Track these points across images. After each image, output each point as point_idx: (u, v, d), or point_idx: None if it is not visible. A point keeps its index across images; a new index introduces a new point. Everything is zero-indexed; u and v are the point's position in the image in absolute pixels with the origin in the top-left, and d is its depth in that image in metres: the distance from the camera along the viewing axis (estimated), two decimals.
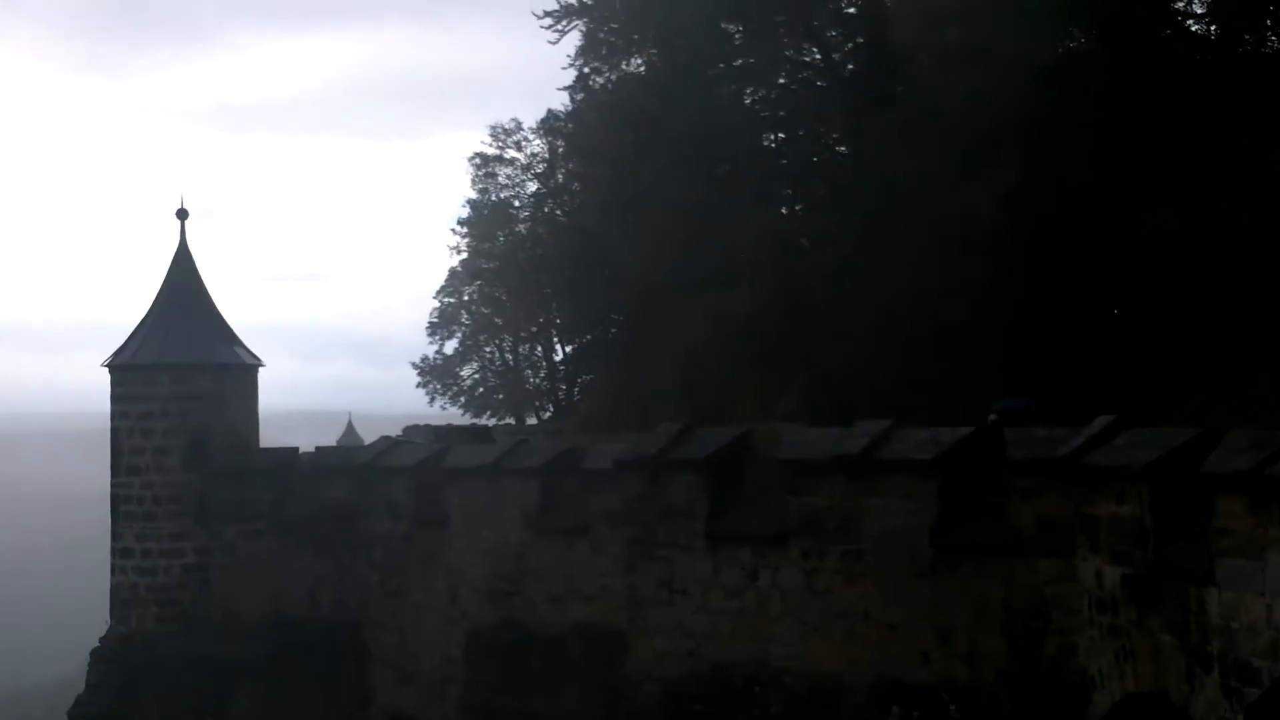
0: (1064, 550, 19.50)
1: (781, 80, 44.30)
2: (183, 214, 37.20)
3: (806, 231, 38.66)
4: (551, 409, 55.20)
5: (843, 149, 43.53)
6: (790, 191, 45.74)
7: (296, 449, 35.69)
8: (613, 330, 48.58)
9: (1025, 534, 20.14)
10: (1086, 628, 19.11)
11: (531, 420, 54.52)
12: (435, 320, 58.64)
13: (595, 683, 26.05)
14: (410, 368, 59.69)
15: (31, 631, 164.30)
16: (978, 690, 20.60)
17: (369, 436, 48.22)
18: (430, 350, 58.67)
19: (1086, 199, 31.25)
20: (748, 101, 45.55)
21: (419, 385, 58.55)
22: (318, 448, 37.19)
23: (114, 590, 35.12)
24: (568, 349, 54.82)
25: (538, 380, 57.57)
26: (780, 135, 45.78)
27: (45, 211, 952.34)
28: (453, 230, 56.29)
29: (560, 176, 52.80)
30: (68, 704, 40.18)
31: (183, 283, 36.79)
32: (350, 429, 59.95)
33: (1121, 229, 30.81)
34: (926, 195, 32.94)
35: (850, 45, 43.02)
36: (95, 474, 47.63)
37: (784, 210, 44.37)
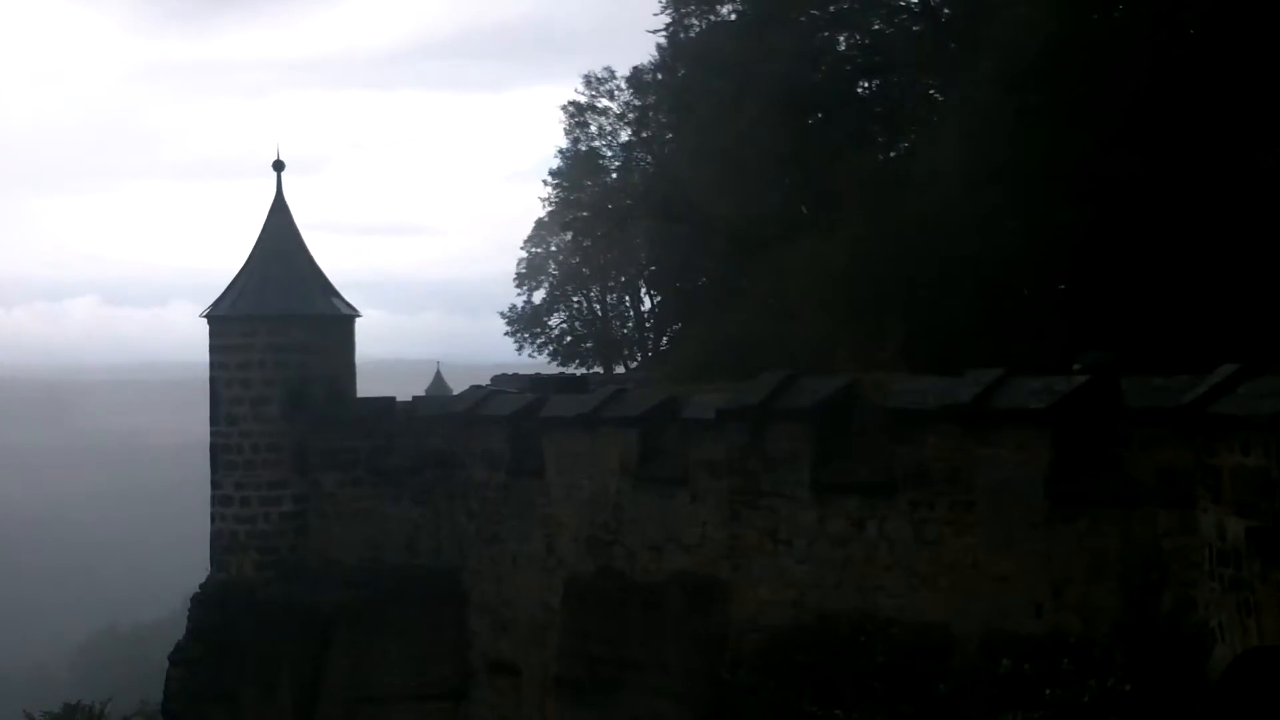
0: (1184, 502, 19.09)
1: (876, 25, 43.64)
2: (279, 166, 37.37)
3: (904, 177, 38.09)
4: (640, 358, 55.10)
5: (937, 95, 42.91)
6: (883, 139, 45.18)
7: (393, 398, 35.83)
8: (703, 280, 48.31)
9: (1143, 485, 19.74)
10: (1207, 581, 18.73)
11: (620, 369, 54.44)
12: (523, 270, 58.66)
13: (695, 632, 25.98)
14: (497, 317, 59.80)
15: (131, 576, 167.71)
16: (1091, 643, 20.28)
17: (457, 386, 48.37)
18: (518, 300, 58.72)
19: (1196, 140, 30.52)
20: (841, 48, 44.96)
21: (507, 334, 58.68)
22: (415, 397, 37.38)
23: (214, 537, 35.52)
24: (656, 298, 54.63)
25: (626, 329, 57.47)
26: (875, 81, 45.15)
27: (144, 167, 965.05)
28: (544, 181, 56.29)
29: (651, 126, 52.50)
30: (165, 646, 40.89)
31: (279, 234, 36.98)
32: (438, 378, 60.15)
33: (1232, 171, 30.10)
34: (1026, 139, 32.33)
35: None
36: (194, 422, 48.12)
37: (879, 157, 43.80)
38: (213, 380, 35.76)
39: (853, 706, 21.58)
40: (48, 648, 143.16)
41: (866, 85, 44.96)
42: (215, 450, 35.55)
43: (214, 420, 35.62)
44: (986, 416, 21.65)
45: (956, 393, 22.18)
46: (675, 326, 51.21)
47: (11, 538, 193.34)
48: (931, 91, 43.25)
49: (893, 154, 44.26)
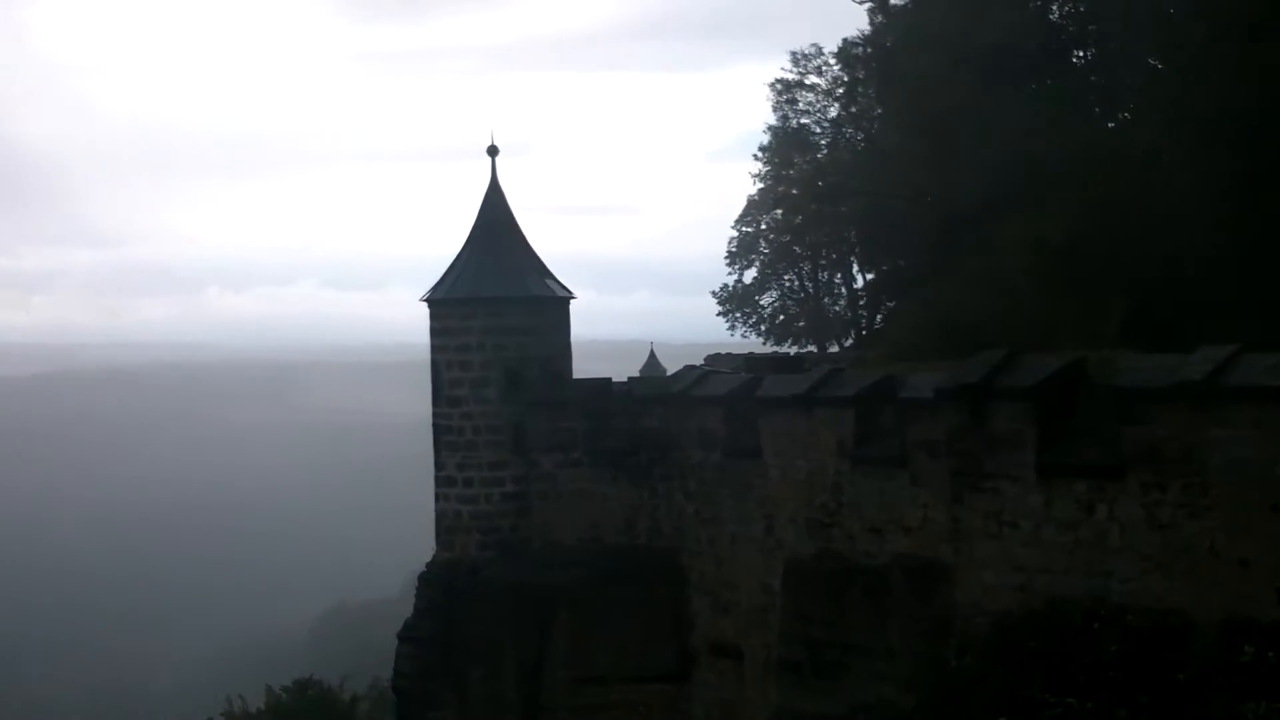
0: None
1: None
2: (493, 151, 37.88)
3: (1124, 148, 37.04)
4: (853, 336, 54.62)
5: (1155, 62, 41.62)
6: (1099, 109, 44.03)
7: (609, 379, 36.12)
8: (915, 256, 47.62)
9: None
10: None
11: (833, 348, 54.03)
12: (734, 249, 58.51)
13: (919, 616, 25.72)
14: (708, 297, 59.77)
15: (356, 553, 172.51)
16: None
17: (670, 366, 48.52)
18: (729, 279, 58.58)
19: None
20: (1054, 16, 43.93)
21: (719, 314, 58.62)
22: (630, 378, 37.64)
23: (438, 517, 36.26)
24: (868, 276, 54.07)
25: (838, 308, 57.01)
26: (1090, 50, 44.00)
27: (361, 152, 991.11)
28: (755, 156, 56.05)
29: (860, 101, 51.92)
30: (392, 623, 41.89)
31: (495, 218, 37.53)
32: (652, 358, 60.37)
33: None
34: (1255, 99, 31.11)
35: None
36: (413, 403, 49.20)
37: (1097, 128, 42.69)
38: (434, 363, 36.49)
39: (1086, 695, 21.06)
40: (283, 623, 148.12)
41: (1081, 55, 43.86)
42: (438, 431, 36.28)
43: (436, 402, 36.34)
44: (1220, 394, 20.99)
45: (1187, 370, 21.53)
46: (888, 304, 50.64)
47: (241, 517, 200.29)
48: (1150, 60, 41.99)
49: (1110, 124, 43.12)
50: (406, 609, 37.52)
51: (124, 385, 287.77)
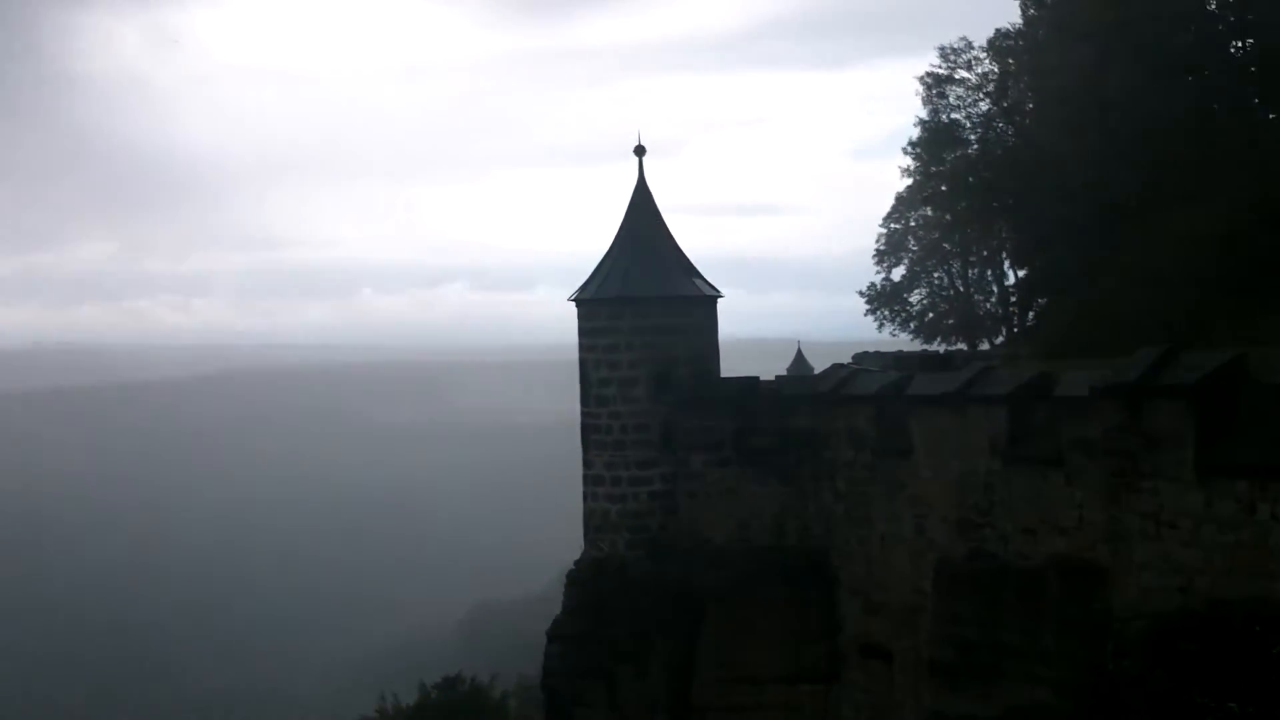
0: None
1: None
2: (640, 151, 37.92)
3: None
4: (1004, 334, 53.84)
5: None
6: (1258, 100, 42.92)
7: (757, 378, 35.97)
8: (1068, 252, 46.78)
9: None
10: None
11: (983, 346, 53.30)
12: (882, 247, 58.02)
13: (1074, 619, 25.24)
14: (855, 294, 59.31)
15: (504, 550, 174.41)
16: None
17: (818, 365, 48.21)
18: (877, 277, 58.10)
19: None
20: (1212, 7, 42.95)
21: (867, 312, 58.14)
22: (778, 376, 37.47)
23: (586, 516, 36.38)
24: (1019, 272, 53.24)
25: (989, 305, 56.23)
26: (1248, 41, 42.93)
27: (507, 155, 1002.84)
28: (904, 152, 55.50)
29: (1011, 94, 51.15)
30: (539, 621, 42.18)
31: (642, 218, 37.56)
32: (800, 357, 60.03)
33: None
34: None
35: None
36: (560, 402, 49.57)
37: (1257, 120, 41.63)
38: (581, 362, 36.63)
39: (1248, 699, 20.52)
40: (432, 621, 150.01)
41: (1239, 46, 42.82)
42: (586, 430, 36.41)
43: (584, 401, 36.47)
44: None
45: None
46: (1041, 300, 49.82)
47: (391, 515, 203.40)
48: None
49: (1271, 115, 42.04)
50: (555, 607, 37.71)
51: (279, 386, 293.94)
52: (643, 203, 37.78)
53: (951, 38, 53.15)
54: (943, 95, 52.67)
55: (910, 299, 57.58)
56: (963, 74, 52.67)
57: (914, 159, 55.47)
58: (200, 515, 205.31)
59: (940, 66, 52.86)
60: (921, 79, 53.28)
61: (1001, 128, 52.06)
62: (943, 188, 54.18)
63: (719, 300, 37.39)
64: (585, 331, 36.74)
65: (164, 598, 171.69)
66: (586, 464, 36.44)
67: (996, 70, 51.68)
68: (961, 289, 56.82)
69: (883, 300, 57.77)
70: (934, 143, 53.42)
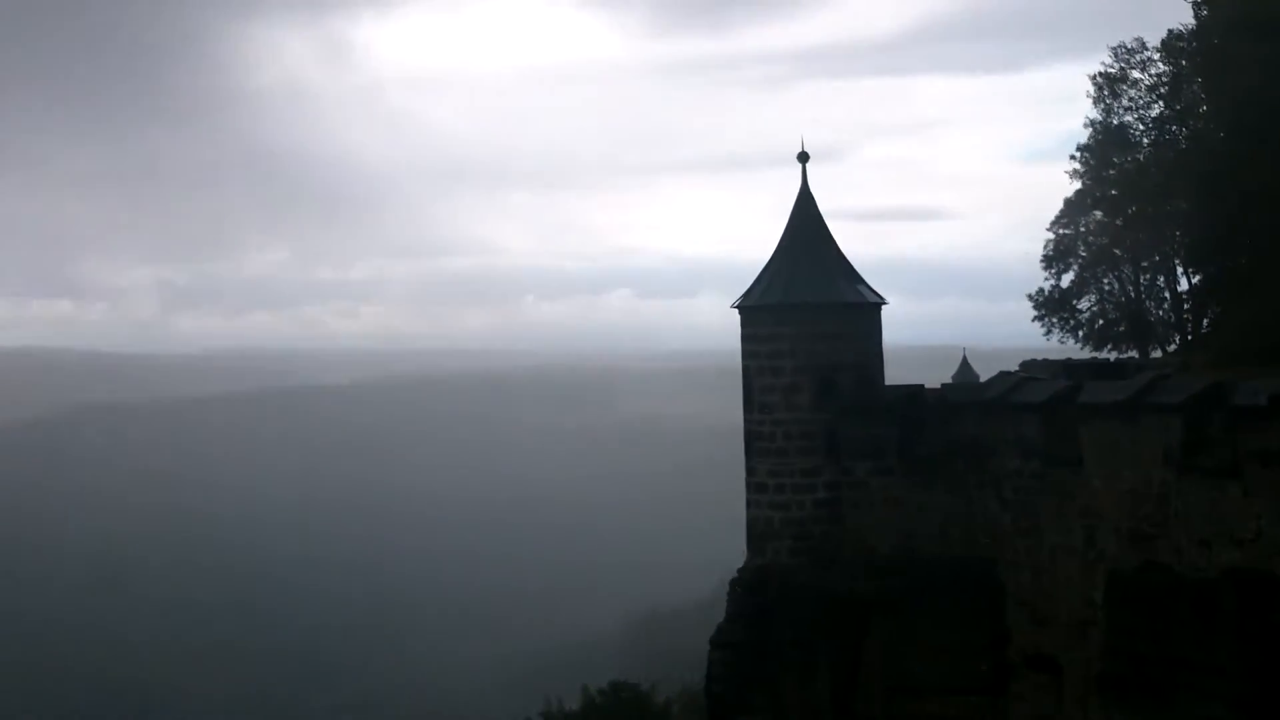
0: None
1: None
2: (804, 157, 37.80)
3: None
4: (1178, 341, 52.57)
5: None
6: None
7: (922, 385, 35.64)
8: (1245, 257, 45.56)
9: None
10: None
11: (1156, 353, 52.13)
12: (1050, 253, 56.95)
13: (1253, 633, 24.62)
14: (1023, 301, 58.24)
15: (665, 557, 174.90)
16: None
17: (984, 372, 47.50)
18: (1045, 283, 57.02)
19: None
20: None
21: (1035, 318, 57.10)
22: (944, 384, 37.07)
23: (750, 523, 36.31)
24: (1193, 278, 51.94)
25: (1161, 311, 54.93)
26: None
27: (668, 163, 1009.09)
28: (1071, 157, 54.48)
29: (1184, 97, 49.96)
30: (702, 627, 42.15)
31: (806, 224, 37.43)
32: (965, 364, 59.17)
33: None
34: None
35: None
36: (721, 408, 49.58)
37: None
38: (745, 369, 36.58)
39: None
40: (594, 626, 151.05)
41: None
42: (749, 438, 36.35)
43: (747, 408, 36.41)
44: None
45: None
46: (1215, 307, 48.58)
47: (552, 518, 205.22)
48: None
49: None
50: (717, 614, 37.67)
51: (445, 390, 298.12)
52: (806, 208, 37.64)
53: (1124, 38, 52.01)
54: (1115, 95, 51.62)
55: (1079, 305, 56.39)
56: (1136, 75, 51.61)
57: (1082, 163, 54.46)
58: (365, 518, 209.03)
59: (1112, 66, 51.86)
60: (1093, 78, 52.29)
61: (1175, 130, 50.91)
62: (1113, 192, 53.08)
63: (883, 307, 37.10)
64: (748, 338, 36.69)
65: (328, 597, 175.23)
66: (750, 471, 36.38)
67: (1170, 72, 50.55)
68: (1133, 295, 55.58)
69: (1051, 306, 56.68)
70: (1105, 145, 52.39)
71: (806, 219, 37.56)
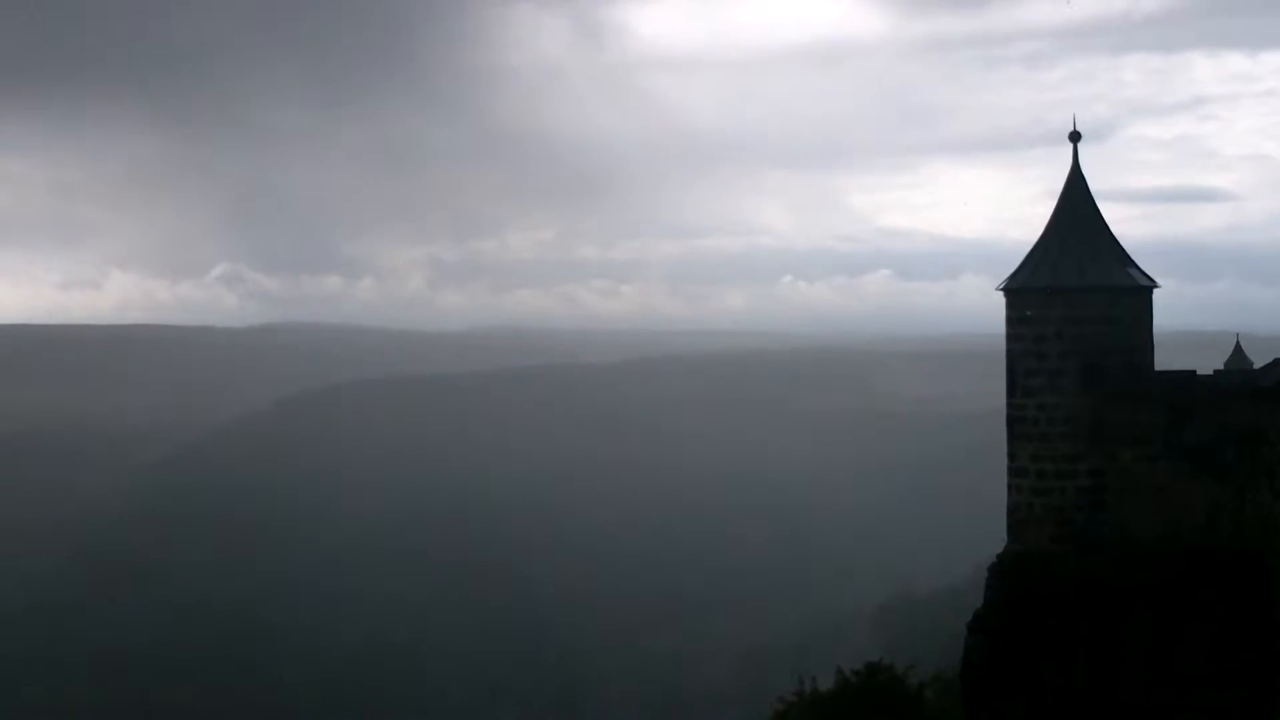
0: None
1: None
2: (1075, 137, 37.07)
3: None
4: None
5: None
6: None
7: (1194, 372, 34.71)
8: None
9: None
10: None
11: None
12: None
13: None
14: None
15: (923, 540, 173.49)
16: None
17: (1258, 359, 45.92)
18: None
19: None
20: None
21: None
22: (1215, 371, 36.10)
23: (1010, 509, 35.90)
24: None
25: None
26: None
27: (930, 143, 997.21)
28: None
29: None
30: (958, 613, 41.86)
31: (1076, 205, 36.71)
32: (1238, 351, 57.24)
33: None
34: None
35: None
36: (983, 392, 49.03)
37: None
38: (1009, 352, 36.10)
39: None
40: (846, 608, 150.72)
41: None
42: (1011, 422, 35.89)
43: (1010, 392, 35.94)
44: None
45: None
46: None
47: (809, 498, 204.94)
48: None
49: None
50: (974, 600, 37.33)
51: (705, 371, 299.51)
52: (1076, 189, 36.90)
53: None
54: None
55: None
56: None
57: None
58: (623, 498, 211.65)
59: None
60: None
61: None
62: None
63: (1154, 291, 36.24)
64: (1013, 321, 36.20)
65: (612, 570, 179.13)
66: (1011, 456, 35.94)
67: None
68: None
69: None
70: None
71: (1077, 199, 36.83)
